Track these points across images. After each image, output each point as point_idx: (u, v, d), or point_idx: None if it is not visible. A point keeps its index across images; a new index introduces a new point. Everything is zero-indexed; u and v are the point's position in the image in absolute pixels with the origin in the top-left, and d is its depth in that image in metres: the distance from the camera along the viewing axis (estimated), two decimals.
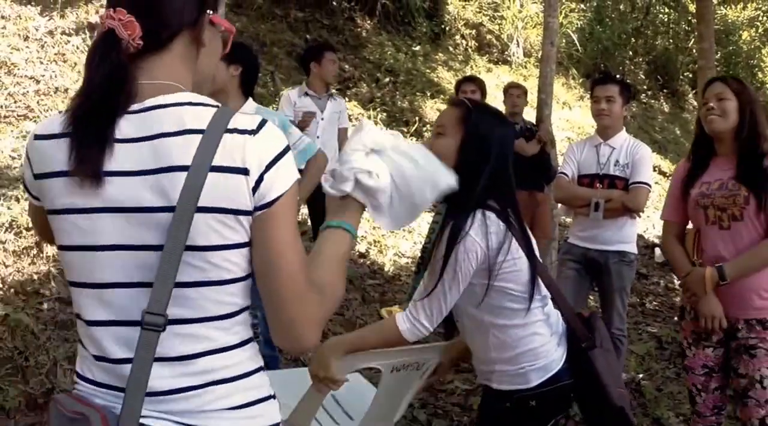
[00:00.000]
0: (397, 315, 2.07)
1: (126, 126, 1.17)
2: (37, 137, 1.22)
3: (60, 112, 1.20)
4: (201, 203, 1.13)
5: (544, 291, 2.11)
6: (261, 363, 1.30)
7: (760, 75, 15.37)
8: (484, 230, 1.94)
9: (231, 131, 1.16)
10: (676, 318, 6.43)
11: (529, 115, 6.60)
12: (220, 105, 1.23)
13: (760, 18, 14.30)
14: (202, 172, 1.12)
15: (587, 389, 2.12)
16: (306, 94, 5.11)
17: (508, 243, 1.96)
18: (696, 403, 3.03)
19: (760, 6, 14.29)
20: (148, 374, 1.14)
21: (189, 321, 1.18)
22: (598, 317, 2.27)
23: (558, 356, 2.12)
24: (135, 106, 1.18)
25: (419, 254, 5.70)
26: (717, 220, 2.88)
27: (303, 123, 4.90)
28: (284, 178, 1.19)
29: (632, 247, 4.17)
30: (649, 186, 4.08)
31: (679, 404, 4.63)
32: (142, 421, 1.14)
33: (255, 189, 1.16)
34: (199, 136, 1.15)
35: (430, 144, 2.04)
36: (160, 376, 1.17)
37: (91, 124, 1.15)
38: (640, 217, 4.17)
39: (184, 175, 1.12)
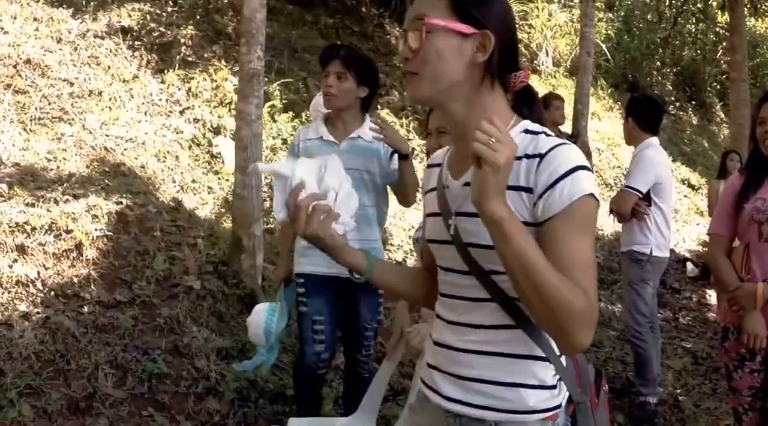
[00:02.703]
0: None
1: None
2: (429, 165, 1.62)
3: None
4: None
5: None
6: None
7: None
8: None
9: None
10: (711, 334, 6.36)
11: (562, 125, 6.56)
12: None
13: None
14: None
15: None
16: None
17: None
18: (742, 421, 3.06)
19: None
20: None
21: None
22: None
23: None
24: None
25: None
26: None
27: None
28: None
29: (641, 248, 4.31)
30: (635, 190, 4.21)
31: (717, 420, 4.64)
32: None
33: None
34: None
35: (437, 144, 2.45)
36: None
37: None
38: (647, 215, 4.27)
39: None
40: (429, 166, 1.64)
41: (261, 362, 3.23)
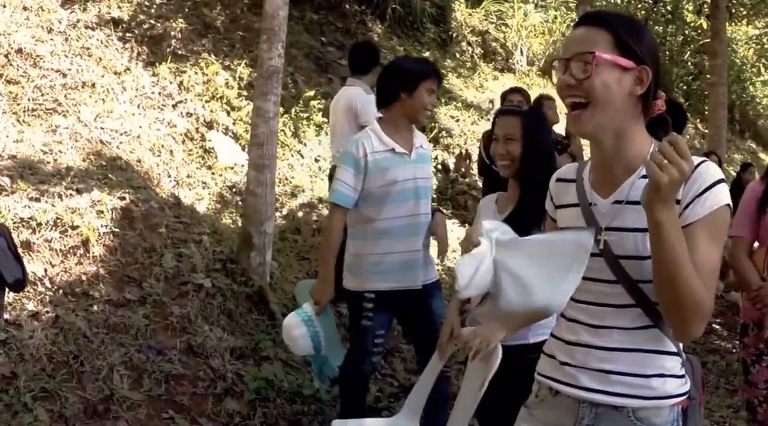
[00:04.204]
0: None
1: None
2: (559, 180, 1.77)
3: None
4: None
5: None
6: None
7: (751, 89, 15.72)
8: None
9: None
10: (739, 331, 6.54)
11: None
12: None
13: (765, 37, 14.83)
14: None
15: None
16: None
17: None
18: (757, 413, 3.25)
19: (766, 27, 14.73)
20: None
21: None
22: None
23: None
24: None
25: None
26: None
27: None
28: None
29: None
30: None
31: (711, 412, 4.78)
32: None
33: None
34: None
35: (504, 150, 2.51)
36: None
37: None
38: None
39: None
40: (558, 180, 1.78)
41: (322, 367, 3.19)
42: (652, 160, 1.32)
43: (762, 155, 16.16)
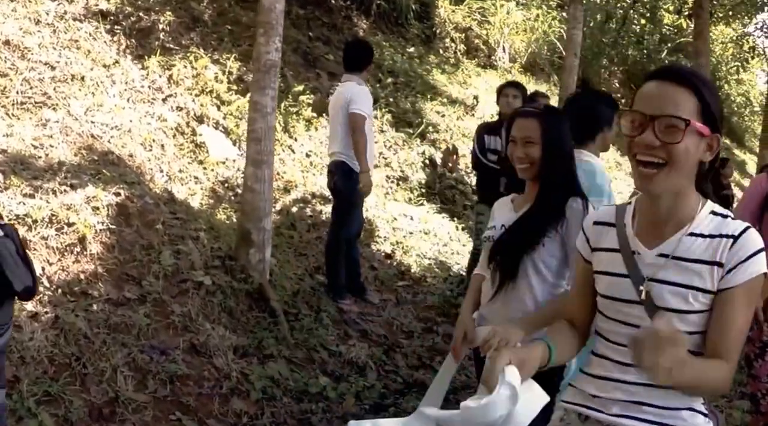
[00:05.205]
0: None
1: None
2: (596, 223, 1.75)
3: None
4: None
5: None
6: None
7: (726, 87, 16.01)
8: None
9: None
10: None
11: None
12: None
13: (744, 38, 15.11)
14: None
15: None
16: None
17: None
18: (760, 405, 3.30)
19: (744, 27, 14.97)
20: None
21: None
22: None
23: None
24: None
25: (469, 254, 5.58)
26: None
27: None
28: None
29: None
30: None
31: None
32: None
33: None
34: None
35: (523, 153, 2.43)
36: None
37: None
38: None
39: None
40: (596, 223, 1.76)
41: None
42: (639, 343, 1.36)
43: (737, 151, 16.45)
